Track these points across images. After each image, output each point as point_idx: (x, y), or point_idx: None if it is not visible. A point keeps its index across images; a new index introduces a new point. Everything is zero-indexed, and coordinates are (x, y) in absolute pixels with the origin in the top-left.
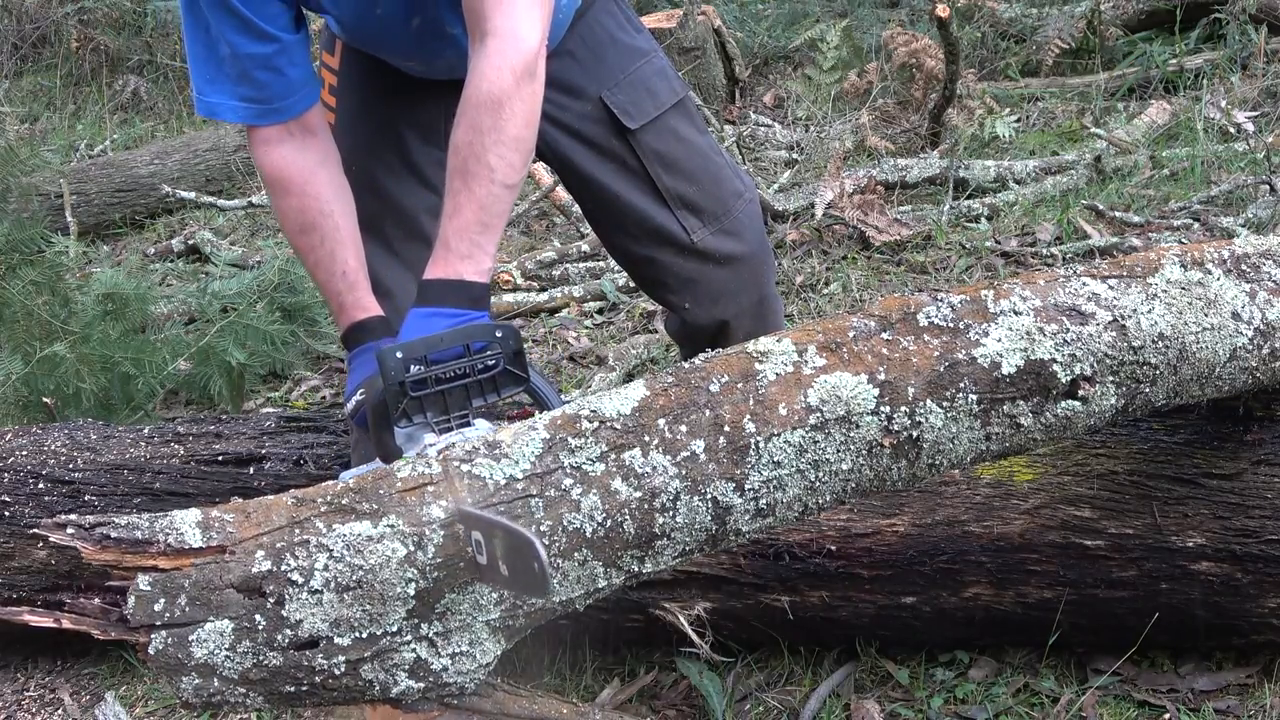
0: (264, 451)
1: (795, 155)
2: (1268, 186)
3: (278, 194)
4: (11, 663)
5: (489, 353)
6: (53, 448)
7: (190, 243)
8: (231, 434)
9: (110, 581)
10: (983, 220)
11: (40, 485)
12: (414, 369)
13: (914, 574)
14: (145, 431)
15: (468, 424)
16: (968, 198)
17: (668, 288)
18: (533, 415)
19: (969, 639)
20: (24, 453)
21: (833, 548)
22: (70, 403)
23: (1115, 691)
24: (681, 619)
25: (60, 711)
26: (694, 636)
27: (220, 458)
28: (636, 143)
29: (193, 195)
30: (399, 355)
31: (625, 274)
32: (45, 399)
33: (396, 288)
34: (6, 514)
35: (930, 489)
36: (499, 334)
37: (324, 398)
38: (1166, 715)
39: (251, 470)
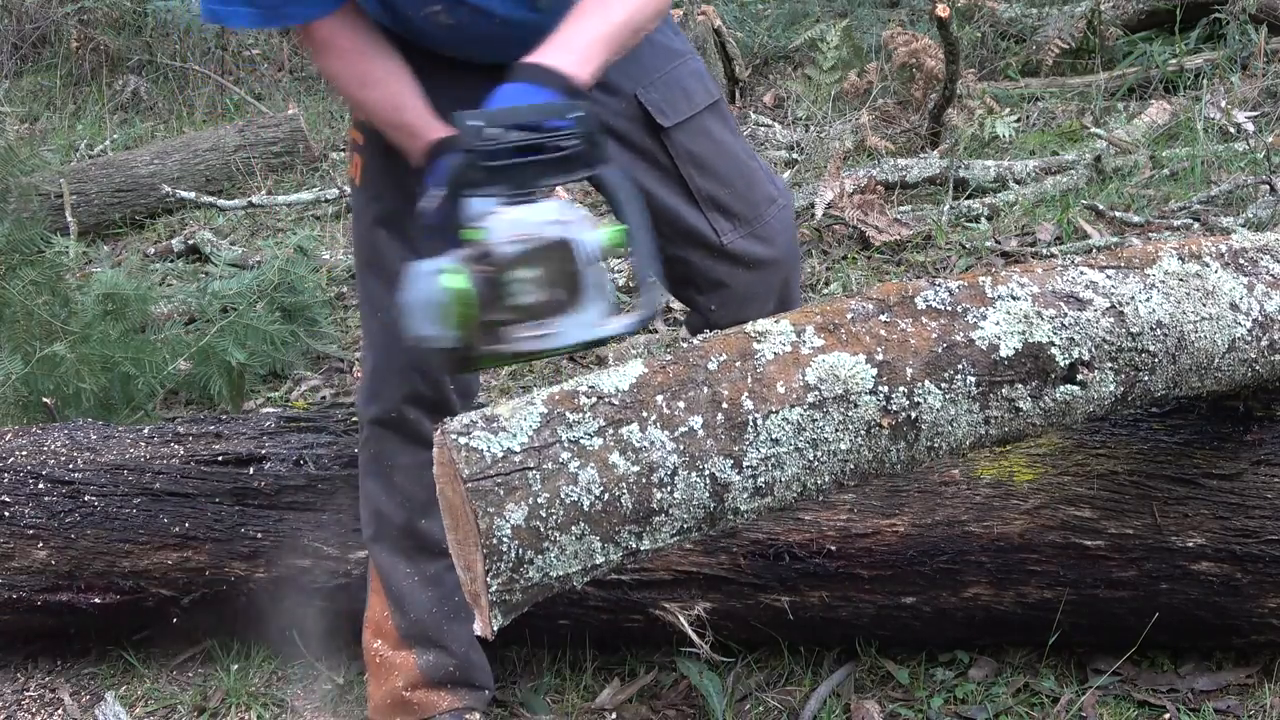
0: (264, 451)
1: (795, 155)
2: (1268, 186)
3: (328, 57)
4: (11, 663)
5: (565, 132)
6: (53, 448)
7: (190, 243)
8: (231, 434)
9: None
10: (983, 220)
11: (40, 485)
12: (489, 138)
13: (914, 574)
14: (145, 431)
15: (533, 200)
16: (968, 198)
17: (696, 288)
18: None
19: (969, 639)
20: (24, 453)
21: (833, 548)
22: (70, 403)
23: (1115, 691)
24: (681, 619)
25: (60, 711)
26: (694, 636)
27: (220, 458)
28: (669, 141)
29: (193, 195)
30: (474, 123)
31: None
32: (45, 399)
33: None
34: (6, 514)
35: (930, 489)
36: (578, 114)
37: (324, 398)
38: (1166, 715)
39: (251, 470)
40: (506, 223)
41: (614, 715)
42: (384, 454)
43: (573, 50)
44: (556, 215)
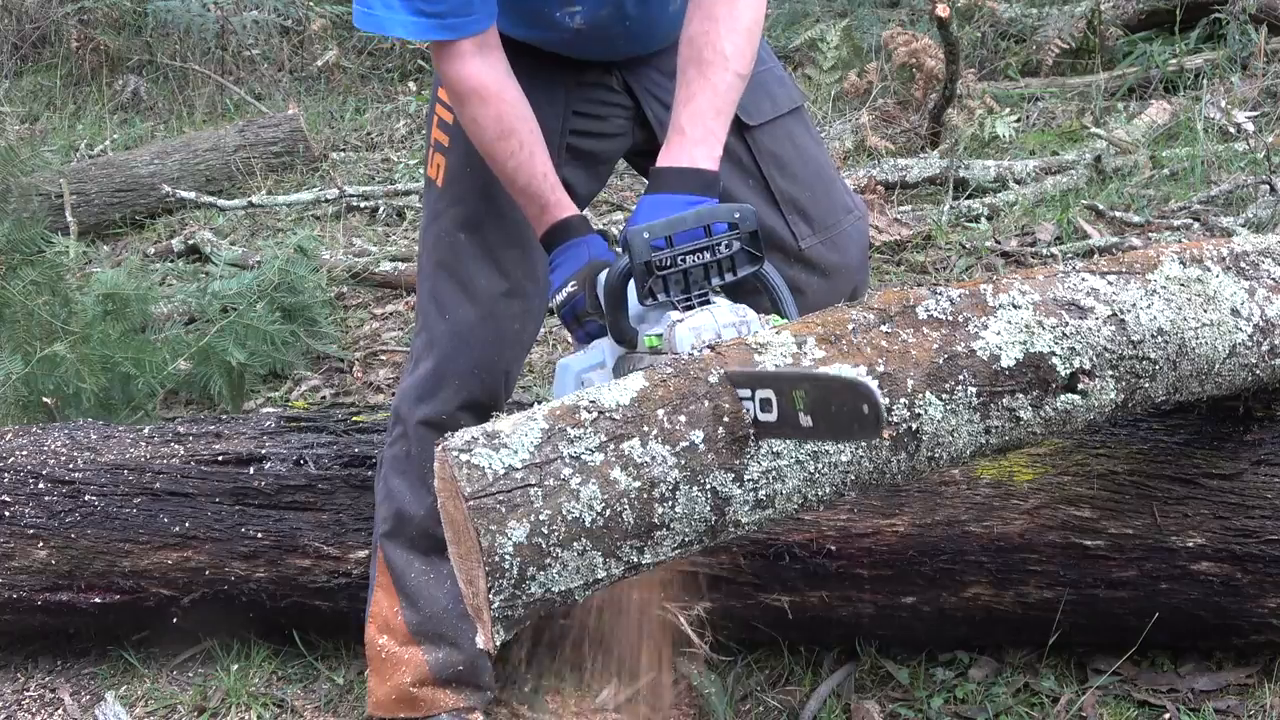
0: (264, 451)
1: None
2: (1268, 186)
3: (474, 104)
4: (11, 663)
5: (728, 234)
6: (53, 448)
7: (190, 243)
8: (231, 434)
9: None
10: (983, 220)
11: (40, 485)
12: (659, 248)
13: (914, 574)
14: (145, 431)
15: (708, 301)
16: (968, 198)
17: None
18: (772, 316)
19: (969, 639)
20: (24, 453)
21: (833, 548)
22: (70, 403)
23: (1115, 691)
24: (681, 619)
25: (60, 711)
26: (694, 637)
27: (220, 458)
28: (753, 141)
29: (193, 195)
30: (645, 236)
31: None
32: (45, 399)
33: (484, 293)
34: (6, 514)
35: (930, 489)
36: (737, 215)
37: (324, 398)
38: (1166, 715)
39: (251, 470)
40: (688, 330)
41: (614, 715)
42: (424, 455)
43: (701, 141)
44: (731, 318)
